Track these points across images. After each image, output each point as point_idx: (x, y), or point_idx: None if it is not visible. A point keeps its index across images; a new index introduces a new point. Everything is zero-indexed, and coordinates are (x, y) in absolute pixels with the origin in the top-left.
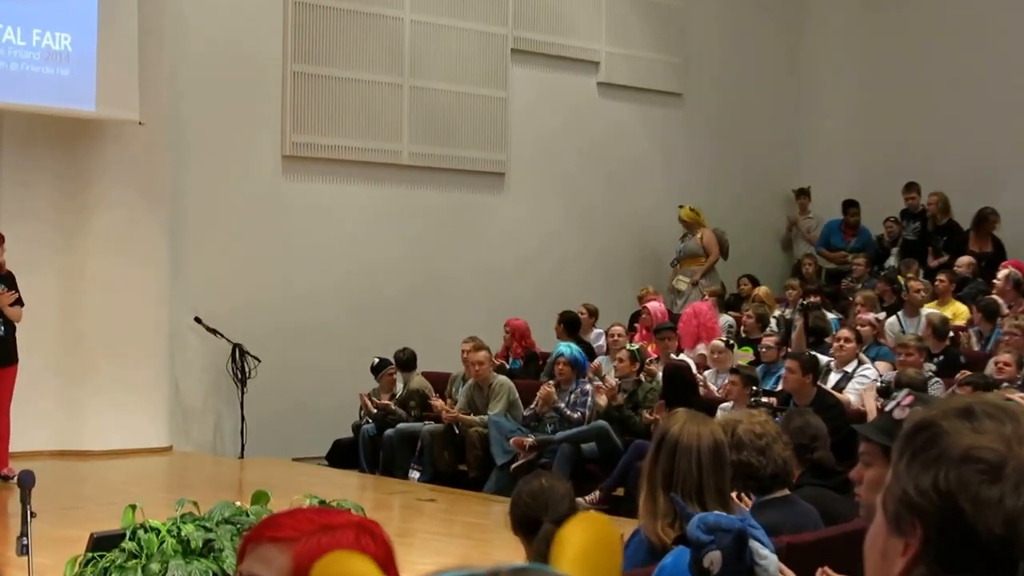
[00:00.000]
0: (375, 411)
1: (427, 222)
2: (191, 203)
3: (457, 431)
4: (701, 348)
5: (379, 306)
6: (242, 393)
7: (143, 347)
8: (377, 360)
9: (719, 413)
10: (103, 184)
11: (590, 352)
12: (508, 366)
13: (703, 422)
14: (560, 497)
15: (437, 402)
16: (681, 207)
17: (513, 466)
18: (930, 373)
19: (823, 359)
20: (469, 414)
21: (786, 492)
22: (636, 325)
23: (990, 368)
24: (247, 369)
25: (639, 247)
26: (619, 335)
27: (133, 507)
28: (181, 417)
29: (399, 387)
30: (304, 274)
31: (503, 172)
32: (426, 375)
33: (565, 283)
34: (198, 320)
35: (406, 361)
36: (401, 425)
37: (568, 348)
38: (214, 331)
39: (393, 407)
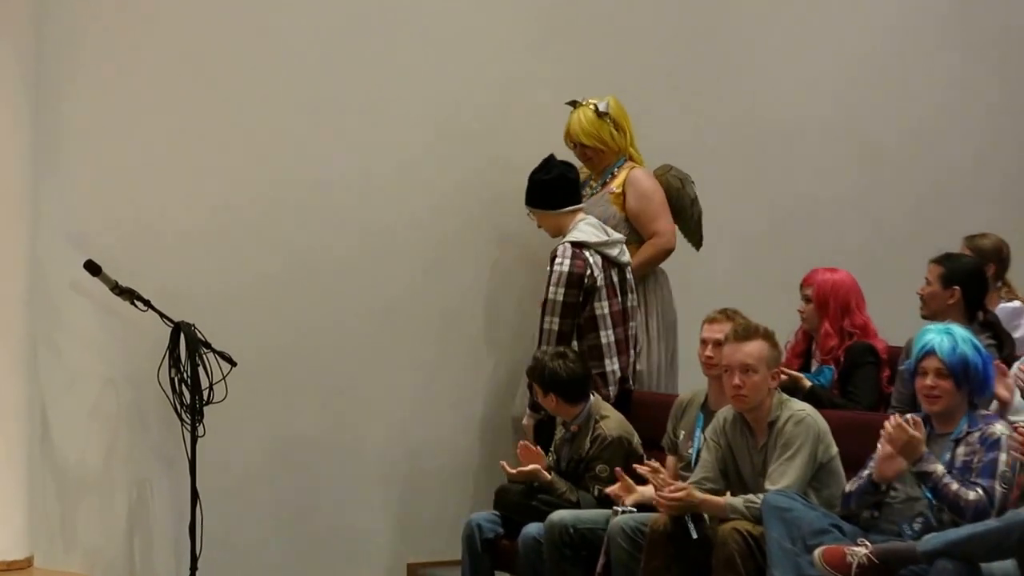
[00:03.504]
0: (520, 484)
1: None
2: (77, 12)
3: (694, 531)
4: None
5: (514, 249)
6: (192, 439)
7: None
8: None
9: None
10: None
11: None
12: (807, 380)
13: None
14: None
15: (647, 465)
16: (574, 105)
17: None
18: None
19: None
20: (724, 492)
21: None
22: None
23: None
24: (204, 382)
25: None
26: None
27: None
28: (56, 495)
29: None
30: (342, 161)
31: None
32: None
33: (955, 190)
34: (92, 268)
35: (572, 381)
36: (561, 516)
37: (945, 337)
38: (129, 294)
39: (551, 477)
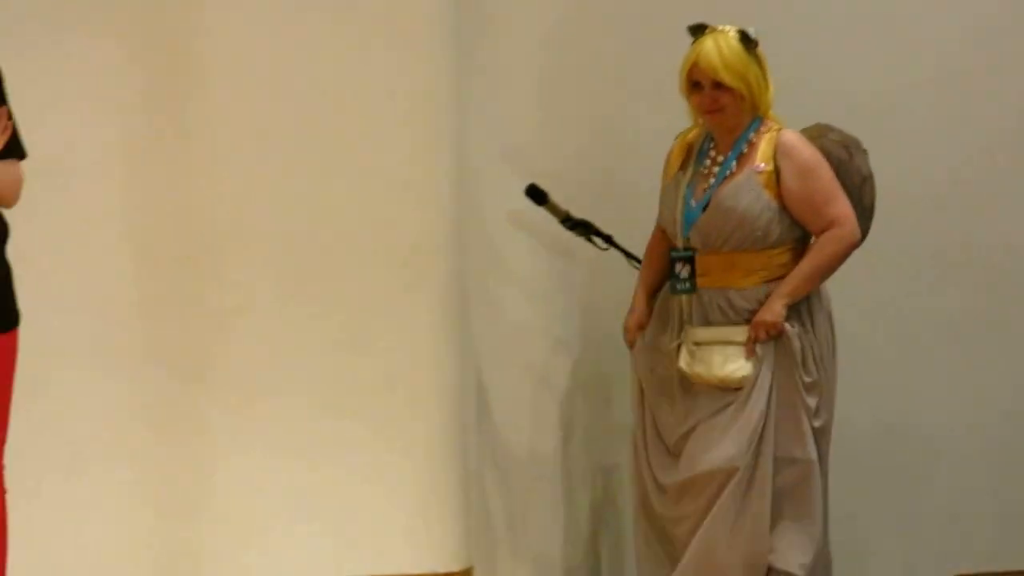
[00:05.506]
0: None
1: None
2: None
3: None
4: None
5: None
6: None
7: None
8: None
9: None
10: None
11: None
12: None
13: None
14: None
15: None
16: (698, 31)
17: None
18: None
19: None
20: None
21: None
22: None
23: None
24: None
25: None
26: None
27: None
28: (499, 491)
29: None
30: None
31: None
32: None
33: None
34: (536, 195)
35: None
36: None
37: None
38: (584, 228)
39: None
